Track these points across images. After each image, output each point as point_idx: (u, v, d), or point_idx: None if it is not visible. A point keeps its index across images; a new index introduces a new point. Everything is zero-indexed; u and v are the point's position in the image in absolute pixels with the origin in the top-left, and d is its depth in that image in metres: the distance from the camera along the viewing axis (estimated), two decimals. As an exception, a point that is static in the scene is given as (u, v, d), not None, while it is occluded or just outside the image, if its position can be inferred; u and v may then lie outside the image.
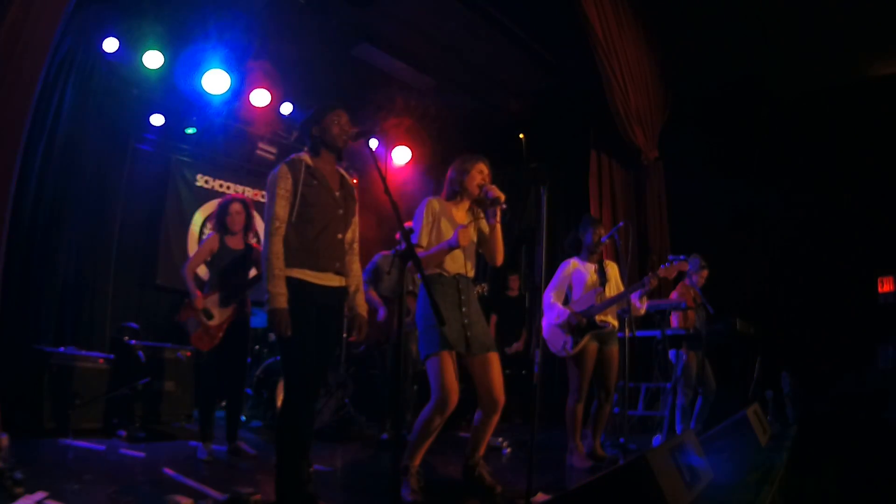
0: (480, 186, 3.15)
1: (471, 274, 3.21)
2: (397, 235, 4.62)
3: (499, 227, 3.18)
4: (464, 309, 3.09)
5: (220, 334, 3.98)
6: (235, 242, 4.19)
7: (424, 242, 3.08)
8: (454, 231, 3.01)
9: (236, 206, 4.20)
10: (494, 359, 3.09)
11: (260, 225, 4.63)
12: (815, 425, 5.41)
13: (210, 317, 3.99)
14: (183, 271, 4.13)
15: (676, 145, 6.91)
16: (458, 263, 3.13)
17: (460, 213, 3.22)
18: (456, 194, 3.24)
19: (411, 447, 3.04)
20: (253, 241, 4.32)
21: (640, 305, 4.32)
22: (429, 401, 2.98)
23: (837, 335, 6.35)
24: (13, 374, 4.36)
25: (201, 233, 7.02)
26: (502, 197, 3.07)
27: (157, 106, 6.38)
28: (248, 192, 7.33)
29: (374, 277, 5.04)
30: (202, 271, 4.43)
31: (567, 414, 4.14)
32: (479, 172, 3.19)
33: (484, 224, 3.24)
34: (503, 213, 3.11)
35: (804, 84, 6.96)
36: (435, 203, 3.18)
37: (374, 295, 4.98)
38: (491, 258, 3.25)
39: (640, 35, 6.30)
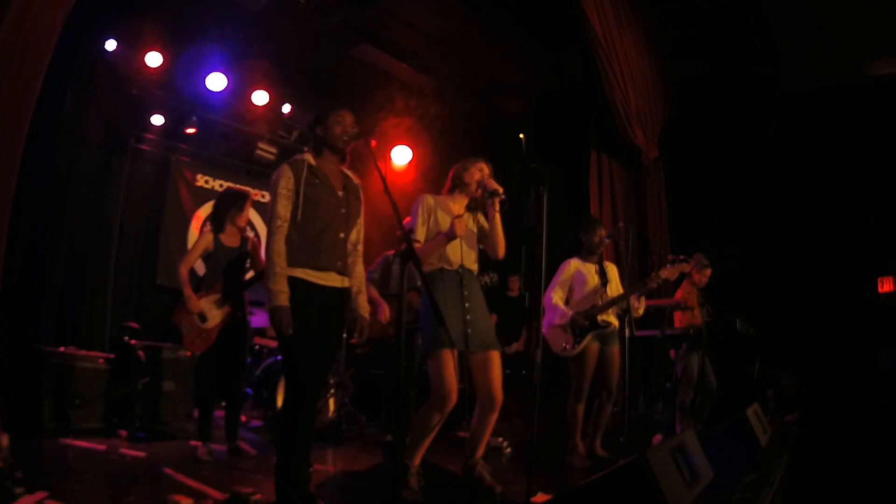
0: (479, 181, 3.19)
1: (475, 267, 3.22)
2: (398, 233, 4.59)
3: (498, 217, 3.19)
4: (466, 304, 3.09)
5: (215, 336, 3.92)
6: (231, 240, 4.11)
7: (422, 237, 3.10)
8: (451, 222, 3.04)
9: (249, 204, 4.15)
10: (495, 357, 3.09)
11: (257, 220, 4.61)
12: (816, 425, 5.41)
13: (204, 319, 3.92)
14: (178, 269, 4.04)
15: (676, 145, 6.91)
16: (461, 256, 3.14)
17: (458, 207, 3.24)
18: (456, 188, 3.27)
19: (410, 446, 3.04)
20: (250, 234, 4.25)
21: (639, 306, 4.32)
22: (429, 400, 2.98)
23: (837, 335, 6.36)
24: (13, 374, 4.36)
25: (201, 233, 7.01)
26: (500, 189, 3.10)
27: (157, 106, 6.38)
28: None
29: (383, 276, 4.98)
30: (201, 269, 4.40)
31: (567, 414, 4.14)
32: (479, 170, 3.24)
33: (483, 218, 3.26)
34: (502, 204, 3.13)
35: (804, 83, 6.96)
36: (429, 198, 3.21)
37: (374, 293, 4.94)
38: (493, 251, 3.26)
39: (640, 35, 6.30)
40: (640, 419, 5.96)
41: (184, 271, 3.99)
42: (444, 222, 3.11)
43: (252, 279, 4.12)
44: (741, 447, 3.16)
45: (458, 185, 3.26)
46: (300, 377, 2.61)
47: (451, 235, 2.99)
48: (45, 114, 4.94)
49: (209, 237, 4.08)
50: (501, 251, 3.25)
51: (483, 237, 3.29)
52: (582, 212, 6.37)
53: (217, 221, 4.12)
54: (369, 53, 6.64)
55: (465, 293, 3.11)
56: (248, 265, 4.22)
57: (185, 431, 4.77)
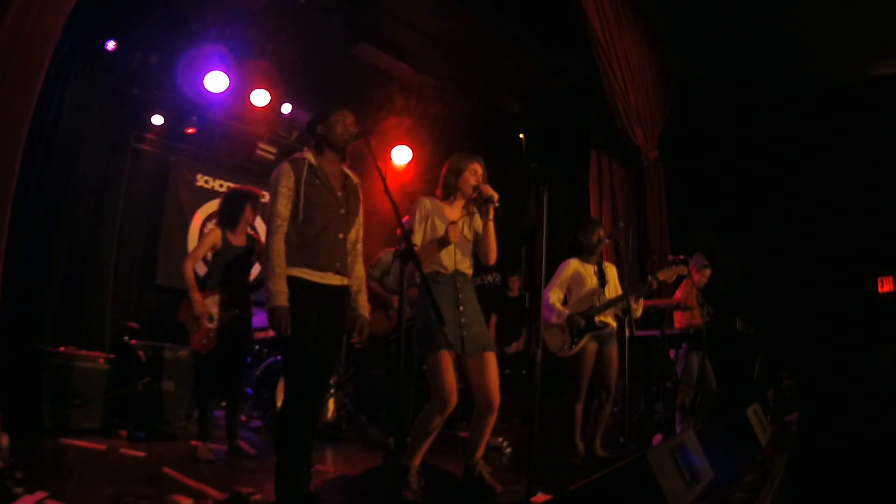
0: (474, 186, 3.17)
1: (469, 272, 3.23)
2: (398, 232, 4.57)
3: (491, 225, 3.19)
4: (460, 308, 3.10)
5: (220, 336, 3.94)
6: (238, 238, 4.11)
7: (418, 241, 3.10)
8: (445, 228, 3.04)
9: (259, 202, 4.14)
10: (490, 359, 3.09)
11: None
12: (816, 425, 5.41)
13: (211, 319, 3.94)
14: (183, 267, 4.01)
15: (676, 145, 6.91)
16: (456, 260, 3.14)
17: (454, 211, 3.23)
18: (450, 194, 3.25)
19: (411, 447, 3.04)
20: (253, 233, 4.27)
21: (637, 307, 4.32)
22: (428, 401, 2.98)
23: (837, 335, 6.36)
24: (13, 374, 4.35)
25: (201, 233, 7.02)
26: (495, 196, 3.09)
27: (157, 106, 6.37)
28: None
29: (380, 274, 4.96)
30: (200, 268, 4.39)
31: (567, 414, 4.14)
32: (474, 173, 3.20)
33: (478, 223, 3.26)
34: (496, 211, 3.13)
35: (804, 84, 6.97)
36: (427, 202, 3.20)
37: (376, 287, 4.90)
38: (484, 257, 3.26)
39: (640, 35, 6.29)
40: (640, 419, 5.96)
41: (189, 271, 3.96)
42: (440, 229, 3.11)
43: (257, 281, 4.10)
44: (741, 447, 3.16)
45: (453, 192, 3.23)
46: (300, 377, 2.60)
47: (444, 242, 3.00)
48: (45, 114, 4.96)
49: (217, 233, 4.05)
50: (493, 257, 3.24)
51: (476, 242, 3.29)
52: (582, 212, 6.37)
53: (227, 219, 4.09)
54: (369, 53, 6.64)
55: (460, 297, 3.12)
56: (253, 260, 4.21)
57: (185, 431, 4.77)
